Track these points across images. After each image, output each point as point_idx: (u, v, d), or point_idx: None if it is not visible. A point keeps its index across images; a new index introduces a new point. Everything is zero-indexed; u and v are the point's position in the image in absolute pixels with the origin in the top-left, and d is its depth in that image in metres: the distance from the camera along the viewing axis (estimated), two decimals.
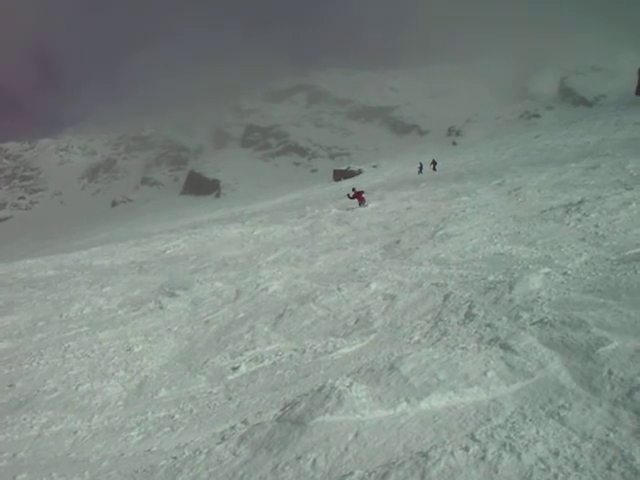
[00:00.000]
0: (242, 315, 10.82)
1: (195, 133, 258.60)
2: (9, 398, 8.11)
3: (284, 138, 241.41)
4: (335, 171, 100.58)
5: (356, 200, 27.32)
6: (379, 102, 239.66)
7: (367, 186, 36.15)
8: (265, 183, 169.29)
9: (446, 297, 8.85)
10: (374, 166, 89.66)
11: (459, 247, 12.44)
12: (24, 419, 7.01)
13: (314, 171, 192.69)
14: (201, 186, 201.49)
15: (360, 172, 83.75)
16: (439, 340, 7.05)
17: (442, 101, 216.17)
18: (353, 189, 28.88)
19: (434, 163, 48.89)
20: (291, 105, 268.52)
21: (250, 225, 25.70)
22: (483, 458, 3.91)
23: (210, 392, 7.25)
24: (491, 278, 9.41)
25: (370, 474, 4.01)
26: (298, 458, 4.57)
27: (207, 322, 10.84)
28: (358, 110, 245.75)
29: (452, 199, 20.72)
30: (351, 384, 5.49)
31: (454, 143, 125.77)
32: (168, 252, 21.93)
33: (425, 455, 4.03)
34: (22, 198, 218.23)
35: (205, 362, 8.55)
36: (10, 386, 8.67)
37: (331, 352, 7.79)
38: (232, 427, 5.85)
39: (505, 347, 5.94)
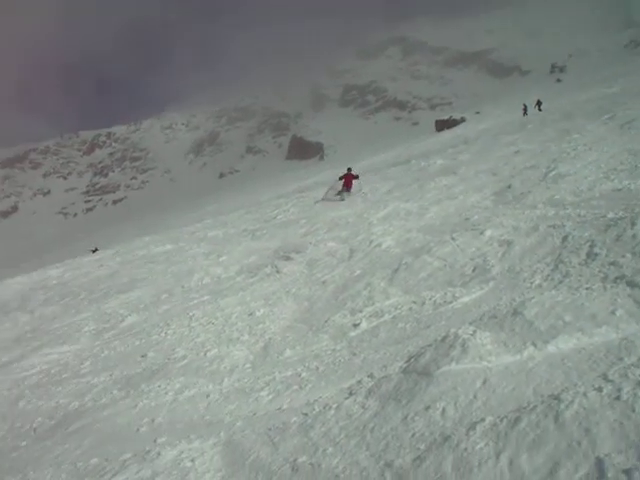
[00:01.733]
0: (358, 273, 10.82)
1: (293, 98, 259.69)
2: (143, 367, 8.47)
3: (382, 94, 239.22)
4: (437, 122, 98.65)
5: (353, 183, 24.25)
6: (475, 46, 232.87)
7: (473, 133, 35.31)
8: (366, 141, 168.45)
9: (565, 238, 8.53)
10: (477, 113, 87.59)
11: (574, 186, 11.93)
12: (159, 386, 7.29)
13: (415, 124, 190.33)
14: (304, 150, 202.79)
15: (463, 120, 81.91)
16: (561, 282, 6.82)
17: (541, 38, 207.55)
18: (349, 169, 25.44)
19: (539, 103, 47.30)
20: (386, 60, 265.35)
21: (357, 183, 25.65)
22: (618, 398, 3.74)
23: (334, 349, 7.31)
24: (610, 215, 8.98)
25: (502, 419, 3.93)
26: (427, 408, 4.54)
27: (324, 282, 10.91)
28: (454, 57, 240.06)
29: (562, 138, 19.89)
30: (475, 332, 5.40)
31: (558, 80, 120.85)
32: (279, 217, 22.22)
33: (557, 398, 3.91)
34: (134, 178, 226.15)
35: (326, 321, 8.62)
36: (142, 356, 9.05)
37: (451, 302, 7.68)
38: (359, 381, 5.87)
39: (632, 284, 5.69)
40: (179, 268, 16.60)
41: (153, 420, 6.28)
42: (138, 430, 6.11)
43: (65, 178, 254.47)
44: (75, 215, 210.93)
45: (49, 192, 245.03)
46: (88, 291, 17.04)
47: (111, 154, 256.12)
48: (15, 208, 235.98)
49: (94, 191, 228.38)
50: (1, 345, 13.39)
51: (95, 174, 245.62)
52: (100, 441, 6.09)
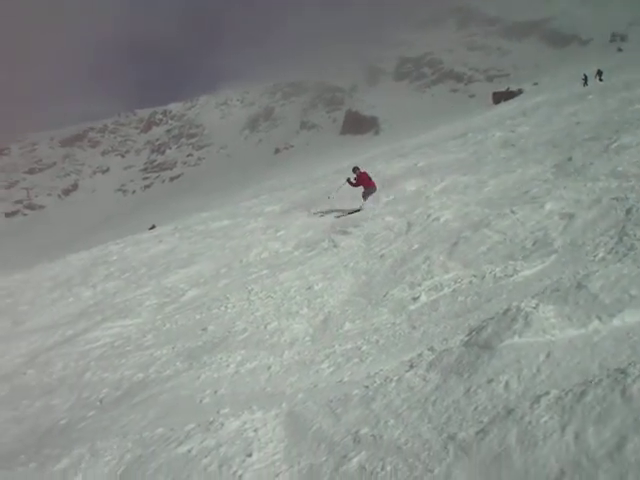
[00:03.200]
0: (416, 246, 10.75)
1: (347, 72, 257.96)
2: (204, 340, 8.59)
3: (438, 66, 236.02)
4: (494, 94, 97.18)
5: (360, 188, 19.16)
6: (532, 16, 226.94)
7: (530, 104, 34.56)
8: (423, 114, 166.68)
9: (629, 211, 8.29)
10: (535, 84, 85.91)
11: (637, 158, 11.59)
12: (220, 358, 7.39)
13: (472, 96, 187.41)
14: (359, 124, 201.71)
15: (520, 92, 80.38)
16: (626, 255, 6.64)
17: (600, 6, 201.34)
18: (355, 169, 19.86)
19: (599, 73, 46.05)
20: (441, 31, 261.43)
21: (413, 157, 25.41)
22: None
23: (393, 323, 7.29)
24: None
25: (567, 393, 3.86)
26: (490, 381, 4.50)
27: (382, 256, 10.87)
28: (511, 27, 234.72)
29: (624, 108, 19.31)
30: (537, 305, 5.32)
31: (619, 50, 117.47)
32: (335, 193, 22.18)
33: (623, 372, 3.82)
34: (190, 155, 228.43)
35: (385, 295, 8.59)
36: (203, 330, 9.18)
37: (511, 275, 7.56)
38: (419, 355, 5.85)
39: None
40: (237, 243, 16.76)
41: (216, 392, 6.37)
42: (201, 401, 6.22)
43: (123, 156, 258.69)
44: (133, 192, 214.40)
45: (108, 170, 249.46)
46: (148, 266, 17.35)
47: (168, 131, 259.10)
48: (75, 186, 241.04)
49: (151, 168, 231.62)
50: (66, 319, 13.74)
51: (152, 151, 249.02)
52: (165, 412, 6.21)
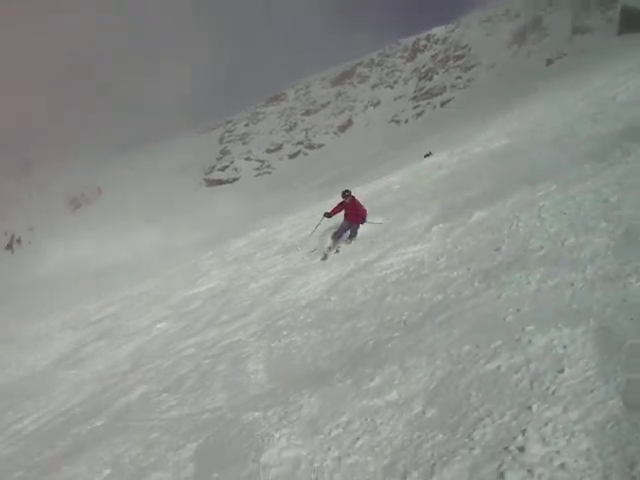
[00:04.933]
0: None
1: None
2: (499, 260, 8.57)
3: None
4: None
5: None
6: None
7: None
8: None
9: None
10: None
11: None
12: (519, 277, 7.32)
13: None
14: (638, 21, 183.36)
15: None
16: None
17: None
18: (345, 193, 16.71)
19: None
20: None
21: None
22: None
23: None
24: None
25: None
26: None
27: None
28: None
29: None
30: None
31: None
32: (618, 98, 20.51)
33: None
34: (459, 78, 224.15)
35: None
36: (496, 250, 9.15)
37: None
38: None
39: None
40: (522, 160, 16.29)
41: (518, 309, 6.37)
42: (504, 319, 6.25)
43: (392, 87, 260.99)
44: (406, 122, 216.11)
45: (379, 103, 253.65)
46: (432, 192, 17.59)
47: (433, 57, 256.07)
48: (350, 122, 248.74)
49: (421, 96, 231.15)
50: (359, 247, 14.52)
51: (420, 79, 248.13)
52: (468, 330, 6.36)
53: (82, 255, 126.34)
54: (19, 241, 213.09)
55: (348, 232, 16.47)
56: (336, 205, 16.89)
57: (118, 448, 7.33)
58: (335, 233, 16.42)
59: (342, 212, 16.72)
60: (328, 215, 16.80)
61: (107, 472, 6.71)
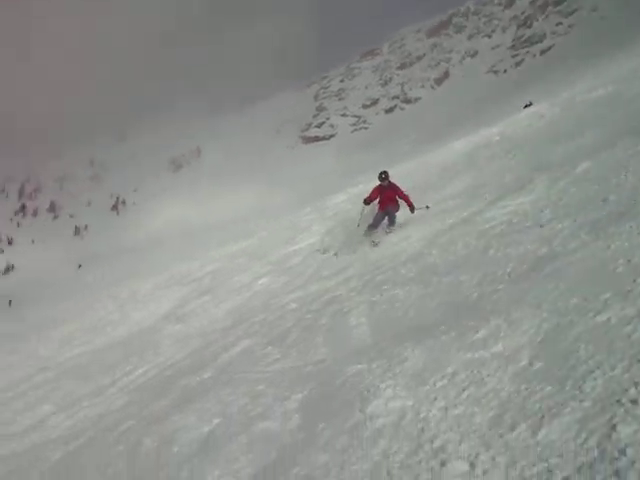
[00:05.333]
0: None
1: None
2: (607, 211, 8.27)
3: None
4: None
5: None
6: None
7: None
8: None
9: None
10: None
11: None
12: (629, 227, 6.97)
13: None
14: None
15: None
16: None
17: None
18: (382, 174, 15.19)
19: None
20: None
21: None
22: None
23: None
24: None
25: None
26: None
27: None
28: None
29: None
30: None
31: None
32: None
33: None
34: (559, 24, 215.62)
35: None
36: (604, 200, 8.83)
37: None
38: None
39: None
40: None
41: (629, 260, 6.15)
42: (614, 270, 6.06)
43: (490, 36, 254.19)
44: (505, 71, 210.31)
45: (476, 53, 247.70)
46: (532, 142, 17.17)
47: (532, 2, 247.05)
48: (446, 74, 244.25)
49: (520, 44, 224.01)
50: (453, 202, 14.34)
51: (519, 27, 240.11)
52: (576, 282, 6.20)
53: (184, 215, 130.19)
54: (124, 202, 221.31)
55: (385, 220, 15.25)
56: (372, 189, 15.51)
57: (226, 399, 7.56)
58: (370, 225, 15.17)
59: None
60: (366, 202, 15.37)
61: (216, 421, 6.93)
